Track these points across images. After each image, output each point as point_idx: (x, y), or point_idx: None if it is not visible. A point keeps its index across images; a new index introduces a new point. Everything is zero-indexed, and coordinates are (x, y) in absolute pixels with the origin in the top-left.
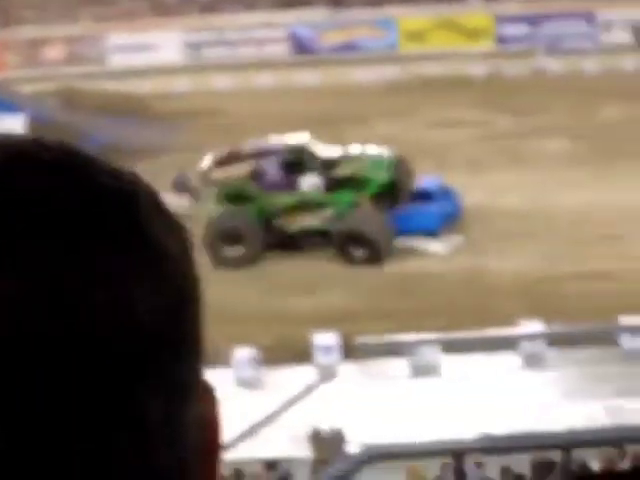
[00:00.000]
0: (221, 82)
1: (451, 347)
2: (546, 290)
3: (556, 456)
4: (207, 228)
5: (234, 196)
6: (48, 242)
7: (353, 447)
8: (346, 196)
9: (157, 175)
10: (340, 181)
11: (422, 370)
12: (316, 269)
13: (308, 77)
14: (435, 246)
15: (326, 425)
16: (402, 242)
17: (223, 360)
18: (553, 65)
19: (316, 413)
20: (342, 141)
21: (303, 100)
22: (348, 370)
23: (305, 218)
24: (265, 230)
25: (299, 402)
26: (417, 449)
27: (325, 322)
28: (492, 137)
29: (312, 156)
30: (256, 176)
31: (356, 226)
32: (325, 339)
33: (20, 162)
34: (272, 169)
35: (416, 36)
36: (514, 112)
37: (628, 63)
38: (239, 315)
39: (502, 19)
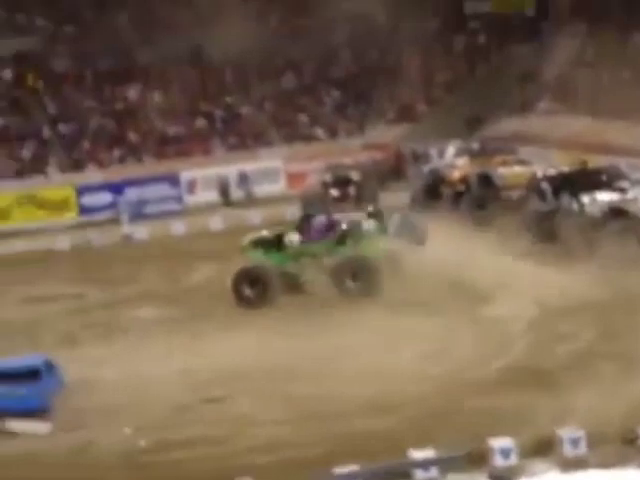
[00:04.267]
0: None
1: None
2: (152, 461)
3: None
4: None
5: None
6: None
7: None
8: None
9: None
10: None
11: None
12: None
13: None
14: (36, 425)
15: None
16: (2, 425)
17: None
18: (139, 231)
19: None
20: None
21: None
22: None
23: None
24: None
25: None
26: None
27: None
28: (84, 310)
29: None
30: None
31: None
32: None
33: None
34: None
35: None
36: (104, 283)
37: (215, 221)
38: None
39: (83, 189)
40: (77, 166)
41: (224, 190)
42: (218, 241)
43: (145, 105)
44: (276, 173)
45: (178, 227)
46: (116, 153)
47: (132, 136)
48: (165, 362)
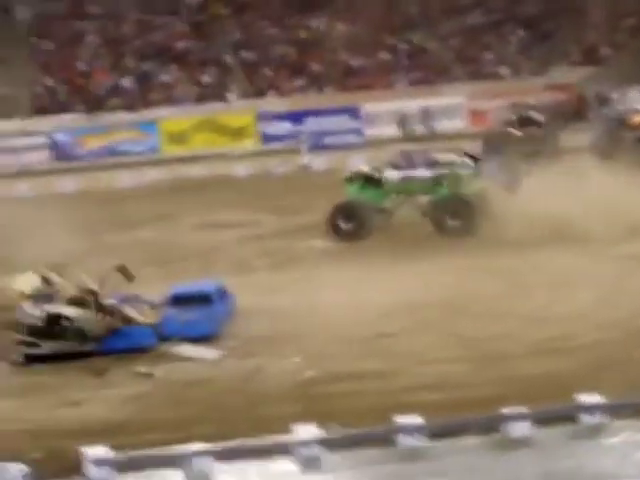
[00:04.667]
0: None
1: (225, 455)
2: (320, 391)
3: None
4: None
5: None
6: None
7: None
8: None
9: None
10: None
11: None
12: (75, 381)
13: (69, 184)
14: (206, 351)
15: None
16: (170, 348)
17: None
18: (318, 162)
19: None
20: (104, 247)
21: (65, 207)
22: None
23: None
24: None
25: None
26: None
27: (94, 435)
28: (259, 237)
29: None
30: None
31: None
32: (97, 452)
33: None
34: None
35: (178, 138)
36: (280, 211)
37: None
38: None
39: (264, 117)
40: (258, 94)
41: (404, 124)
42: None
43: (329, 35)
44: (458, 110)
45: (357, 159)
46: (298, 82)
47: (315, 66)
48: (338, 293)
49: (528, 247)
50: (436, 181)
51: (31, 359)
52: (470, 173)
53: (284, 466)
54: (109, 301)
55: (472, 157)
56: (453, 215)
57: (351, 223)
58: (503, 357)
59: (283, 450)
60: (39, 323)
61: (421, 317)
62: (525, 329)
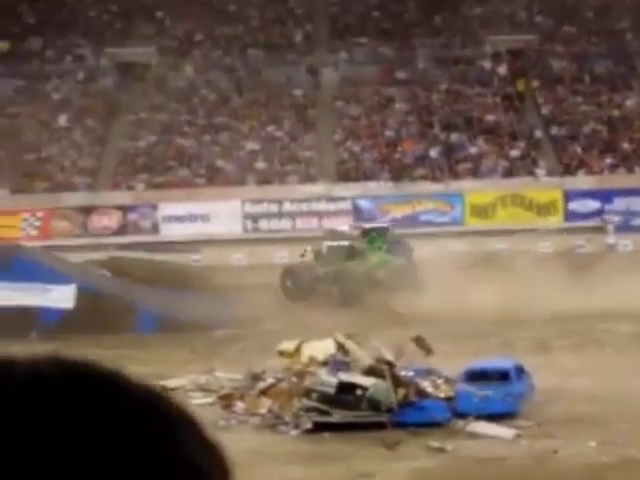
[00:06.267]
0: (279, 254)
1: None
2: (615, 478)
3: None
4: None
5: None
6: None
7: None
8: None
9: (214, 349)
10: None
11: None
12: (365, 451)
13: None
14: (501, 430)
15: None
16: (464, 424)
17: None
18: (624, 243)
19: None
20: (402, 318)
21: None
22: None
23: None
24: None
25: None
26: None
27: None
28: (560, 318)
29: None
30: None
31: None
32: None
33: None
34: None
35: (482, 211)
36: (584, 290)
37: None
38: None
39: (571, 194)
40: (566, 170)
41: None
42: None
43: None
44: None
45: None
46: (607, 161)
47: (625, 145)
48: (636, 379)
49: None
50: (348, 257)
51: (320, 427)
52: (366, 250)
53: None
54: (405, 373)
55: (368, 235)
56: (339, 286)
57: (294, 283)
58: None
59: None
60: (331, 391)
61: None
62: None
